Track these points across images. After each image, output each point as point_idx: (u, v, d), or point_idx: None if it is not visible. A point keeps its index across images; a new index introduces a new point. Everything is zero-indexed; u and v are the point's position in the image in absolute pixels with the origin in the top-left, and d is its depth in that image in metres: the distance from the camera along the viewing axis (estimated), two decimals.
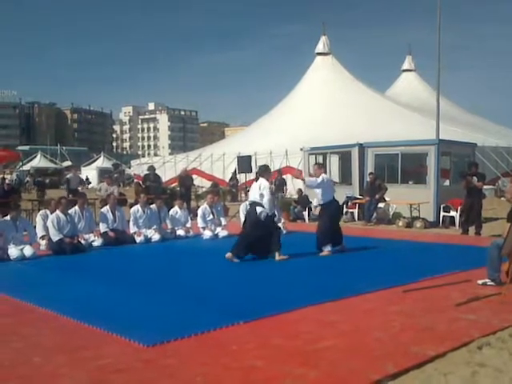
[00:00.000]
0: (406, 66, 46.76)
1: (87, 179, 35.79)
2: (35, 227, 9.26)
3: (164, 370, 3.45)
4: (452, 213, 12.47)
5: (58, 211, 9.01)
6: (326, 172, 9.84)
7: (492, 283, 5.75)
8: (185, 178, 16.56)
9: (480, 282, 5.85)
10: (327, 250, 8.25)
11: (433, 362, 3.52)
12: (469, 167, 11.34)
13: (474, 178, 10.74)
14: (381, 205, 13.48)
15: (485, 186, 23.50)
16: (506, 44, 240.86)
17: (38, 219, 9.38)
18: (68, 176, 14.81)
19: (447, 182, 14.32)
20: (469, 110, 43.81)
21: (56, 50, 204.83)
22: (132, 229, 10.16)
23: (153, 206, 10.73)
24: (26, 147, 65.71)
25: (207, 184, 26.42)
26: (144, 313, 4.89)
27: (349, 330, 4.32)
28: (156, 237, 10.14)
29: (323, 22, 39.68)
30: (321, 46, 38.27)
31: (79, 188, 14.30)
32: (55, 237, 8.77)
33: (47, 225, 8.96)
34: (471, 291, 5.49)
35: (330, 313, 4.83)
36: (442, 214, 12.63)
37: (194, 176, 24.58)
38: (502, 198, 19.80)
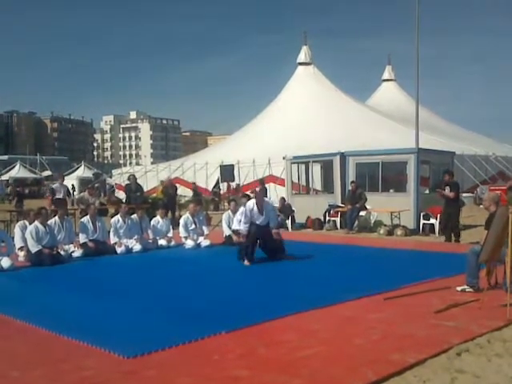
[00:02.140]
0: (386, 75, 47.54)
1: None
2: (13, 238, 9.10)
3: (145, 381, 3.41)
4: (432, 220, 12.65)
5: (36, 222, 8.86)
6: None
7: (470, 290, 5.84)
8: (168, 188, 16.50)
9: (459, 288, 5.94)
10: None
11: (413, 369, 3.55)
12: (443, 176, 11.51)
13: (447, 189, 10.87)
14: (362, 213, 13.61)
15: (464, 194, 23.95)
16: (485, 54, 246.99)
17: (17, 230, 9.22)
18: (54, 186, 14.62)
19: (427, 190, 14.54)
20: (448, 120, 44.69)
21: (35, 58, 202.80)
22: (112, 239, 10.05)
23: (134, 216, 10.64)
24: (5, 157, 64.66)
25: (190, 193, 26.33)
26: (125, 324, 4.83)
27: (330, 338, 4.34)
28: (137, 247, 10.05)
29: (305, 31, 39.90)
30: (302, 56, 38.67)
31: (66, 198, 14.10)
32: (34, 248, 8.61)
33: (26, 236, 8.80)
34: (450, 298, 5.56)
35: (312, 321, 4.84)
36: (422, 221, 12.81)
37: (177, 185, 24.45)
38: (481, 206, 20.17)
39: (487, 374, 3.48)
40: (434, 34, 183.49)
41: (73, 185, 37.35)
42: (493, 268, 5.73)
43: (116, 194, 29.46)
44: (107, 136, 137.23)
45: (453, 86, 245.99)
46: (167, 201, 15.39)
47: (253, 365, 3.69)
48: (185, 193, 26.74)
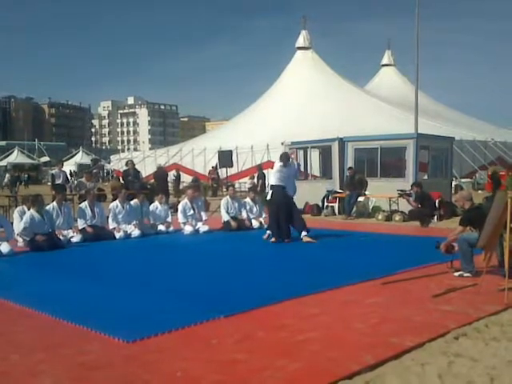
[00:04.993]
0: (385, 60, 47.22)
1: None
2: (12, 223, 9.08)
3: (145, 365, 3.43)
4: None
5: (32, 210, 8.77)
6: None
7: (468, 274, 5.87)
8: (160, 174, 16.55)
9: (456, 273, 5.97)
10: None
11: (410, 353, 3.57)
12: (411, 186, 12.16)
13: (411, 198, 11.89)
14: (360, 198, 13.62)
15: (462, 180, 23.98)
16: (484, 39, 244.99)
17: (15, 215, 9.18)
18: (53, 172, 14.64)
19: (426, 176, 14.54)
20: (447, 105, 44.53)
21: (32, 43, 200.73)
22: (111, 224, 10.06)
23: (133, 202, 10.65)
24: (3, 142, 64.41)
25: (188, 179, 26.30)
26: (125, 309, 4.85)
27: (329, 322, 4.36)
28: (136, 232, 10.07)
29: (303, 16, 39.59)
30: (301, 41, 38.36)
31: (65, 184, 14.10)
32: (27, 237, 8.57)
33: (20, 224, 8.74)
34: (448, 283, 5.59)
35: (311, 305, 4.86)
36: None
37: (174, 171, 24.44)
38: (480, 191, 20.22)
39: (484, 358, 3.50)
40: (434, 19, 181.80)
41: (71, 170, 37.29)
42: (491, 254, 5.74)
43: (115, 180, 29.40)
44: (105, 122, 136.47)
45: (452, 71, 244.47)
46: (159, 186, 15.43)
47: (251, 348, 3.71)
48: (183, 178, 26.76)
